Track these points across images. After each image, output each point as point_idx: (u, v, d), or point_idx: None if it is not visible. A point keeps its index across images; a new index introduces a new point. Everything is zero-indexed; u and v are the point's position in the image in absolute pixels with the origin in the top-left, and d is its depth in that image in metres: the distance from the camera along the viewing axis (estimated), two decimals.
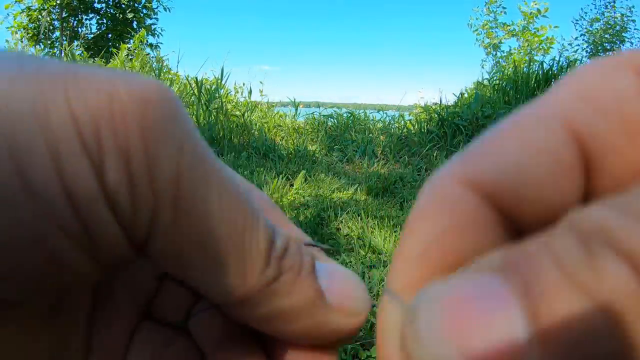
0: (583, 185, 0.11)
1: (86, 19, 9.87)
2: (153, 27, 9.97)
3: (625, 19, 4.10)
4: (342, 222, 1.98)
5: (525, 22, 5.99)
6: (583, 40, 4.37)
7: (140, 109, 0.10)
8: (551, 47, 5.77)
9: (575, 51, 4.34)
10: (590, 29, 4.27)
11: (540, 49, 5.82)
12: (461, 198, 0.12)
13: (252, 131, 3.88)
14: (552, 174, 0.11)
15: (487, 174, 0.11)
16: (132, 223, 0.11)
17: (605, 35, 4.11)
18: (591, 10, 4.34)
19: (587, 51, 4.31)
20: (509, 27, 6.21)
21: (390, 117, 4.55)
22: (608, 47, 4.16)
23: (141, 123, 0.10)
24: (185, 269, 0.13)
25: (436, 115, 3.96)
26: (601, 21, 4.24)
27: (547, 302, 0.09)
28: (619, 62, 0.11)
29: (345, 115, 4.51)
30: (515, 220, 0.12)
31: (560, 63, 4.06)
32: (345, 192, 2.48)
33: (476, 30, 6.51)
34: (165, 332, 0.17)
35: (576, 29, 4.36)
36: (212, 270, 0.12)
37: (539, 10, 5.93)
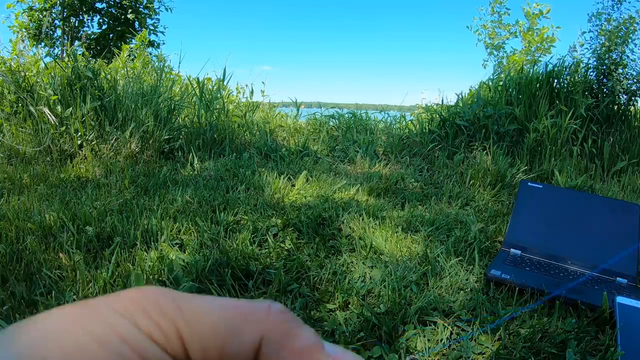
0: None
1: (87, 19, 9.88)
2: (155, 25, 9.98)
3: (632, 21, 4.08)
4: (343, 222, 1.97)
5: (529, 23, 5.96)
6: (590, 37, 4.34)
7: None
8: (552, 46, 5.74)
9: (582, 45, 4.32)
10: (600, 29, 4.25)
11: (541, 48, 5.79)
12: None
13: (254, 132, 3.87)
14: None
15: None
16: None
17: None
18: (605, 8, 4.29)
19: (590, 51, 4.28)
20: (511, 27, 6.18)
21: (391, 118, 4.54)
22: (612, 49, 4.13)
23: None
24: None
25: (438, 116, 3.95)
26: (610, 22, 4.22)
27: None
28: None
29: (346, 115, 4.50)
30: None
31: (564, 63, 4.04)
32: (346, 192, 2.48)
33: (477, 30, 6.47)
34: None
35: (589, 23, 4.33)
36: None
37: (541, 11, 5.91)
